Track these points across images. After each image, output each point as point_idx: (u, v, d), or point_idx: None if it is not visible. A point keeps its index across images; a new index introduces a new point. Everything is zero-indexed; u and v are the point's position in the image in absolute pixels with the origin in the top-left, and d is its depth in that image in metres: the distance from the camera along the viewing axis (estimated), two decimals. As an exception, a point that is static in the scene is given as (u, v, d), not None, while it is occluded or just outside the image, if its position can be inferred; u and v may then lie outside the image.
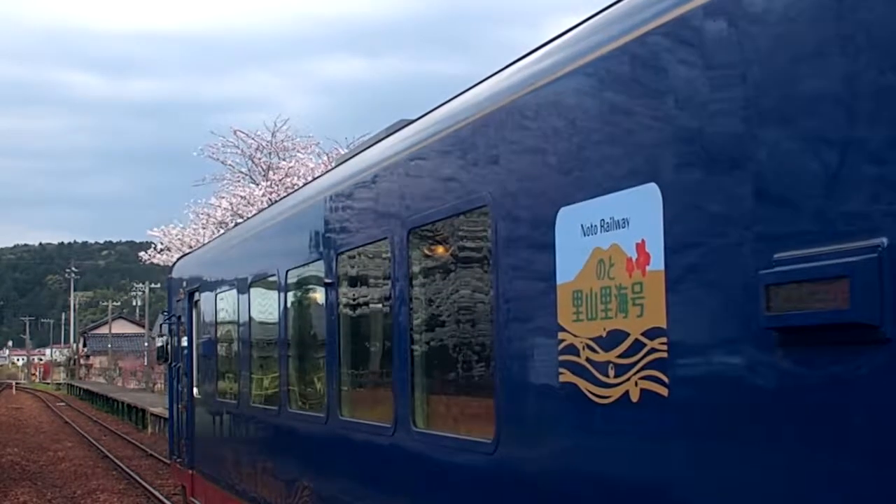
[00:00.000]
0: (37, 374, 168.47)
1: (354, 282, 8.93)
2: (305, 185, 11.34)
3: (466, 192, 6.43)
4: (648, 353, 4.54)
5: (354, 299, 8.93)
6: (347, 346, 8.98)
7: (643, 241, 4.58)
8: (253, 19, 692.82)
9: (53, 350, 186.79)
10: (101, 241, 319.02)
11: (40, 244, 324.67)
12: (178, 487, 19.81)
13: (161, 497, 23.69)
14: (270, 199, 40.82)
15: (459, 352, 6.87)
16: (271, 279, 11.28)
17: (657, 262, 4.49)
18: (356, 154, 9.24)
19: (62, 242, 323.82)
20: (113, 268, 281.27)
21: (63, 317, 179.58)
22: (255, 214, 15.08)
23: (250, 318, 12.44)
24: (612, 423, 4.85)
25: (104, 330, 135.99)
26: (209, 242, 19.13)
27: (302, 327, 10.72)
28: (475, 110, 6.39)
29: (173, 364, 18.57)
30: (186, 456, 17.24)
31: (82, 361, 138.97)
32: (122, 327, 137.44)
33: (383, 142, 8.38)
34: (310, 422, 9.88)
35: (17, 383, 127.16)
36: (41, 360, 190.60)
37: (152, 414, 46.04)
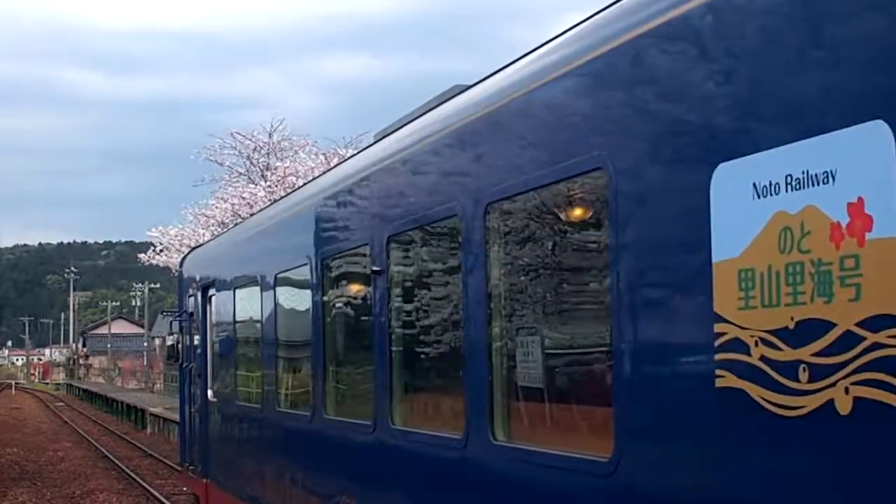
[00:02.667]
0: (36, 374, 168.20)
1: (411, 268, 7.79)
2: (344, 161, 9.81)
3: (573, 151, 5.19)
4: (869, 349, 3.41)
5: (411, 288, 7.75)
6: (401, 344, 7.79)
7: (859, 199, 3.45)
8: (256, 17, 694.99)
9: (53, 350, 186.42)
10: (101, 241, 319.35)
11: (40, 244, 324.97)
12: (189, 496, 19.12)
13: (160, 497, 23.75)
14: (270, 200, 40.57)
15: (557, 349, 5.77)
16: (302, 270, 10.09)
17: (884, 228, 3.36)
18: (407, 124, 8.00)
19: (61, 242, 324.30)
20: (112, 268, 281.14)
21: (62, 317, 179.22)
22: (278, 200, 13.64)
23: (276, 313, 11.25)
24: (803, 442, 3.71)
25: (103, 330, 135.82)
26: (223, 234, 17.80)
27: (339, 323, 9.56)
28: (585, 53, 5.19)
29: (185, 364, 17.16)
30: (200, 463, 15.91)
31: (82, 361, 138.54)
32: (121, 327, 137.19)
33: (442, 108, 7.26)
34: (350, 430, 8.73)
35: (16, 383, 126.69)
36: (40, 360, 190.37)
37: (151, 414, 46.19)
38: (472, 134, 6.50)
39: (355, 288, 9.08)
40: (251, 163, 45.07)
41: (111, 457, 33.70)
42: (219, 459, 14.67)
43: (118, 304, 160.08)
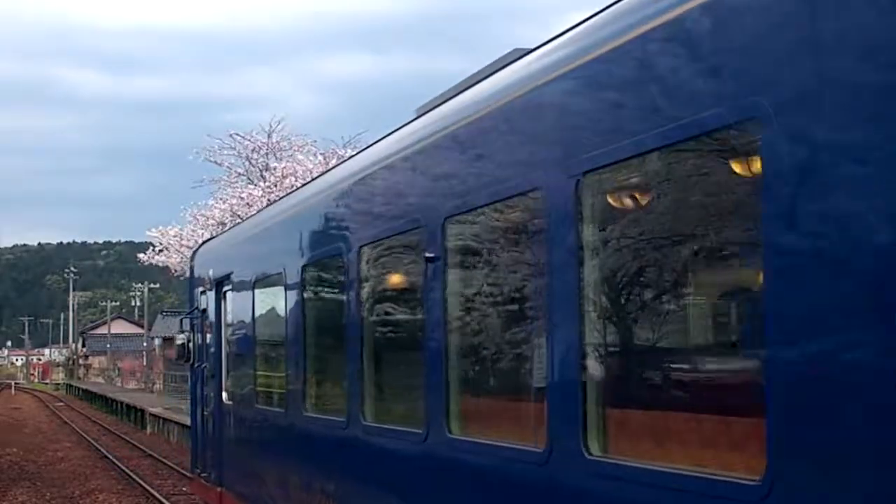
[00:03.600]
0: (36, 374, 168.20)
1: (474, 253, 6.72)
2: (394, 132, 8.36)
3: (724, 96, 4.20)
4: None
5: (474, 277, 6.72)
6: (460, 341, 6.71)
7: None
8: (256, 16, 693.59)
9: (52, 350, 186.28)
10: (101, 241, 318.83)
11: (39, 244, 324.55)
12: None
13: (160, 497, 23.86)
14: (269, 200, 40.85)
15: (678, 341, 4.86)
16: (334, 259, 9.12)
17: None
18: (475, 84, 6.82)
19: (61, 242, 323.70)
20: (112, 268, 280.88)
21: (62, 317, 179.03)
22: (304, 185, 12.58)
23: (303, 309, 10.24)
24: None
25: (103, 330, 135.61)
26: (238, 225, 16.69)
27: (380, 318, 8.45)
28: None
29: (196, 364, 16.05)
30: (213, 470, 14.81)
31: (81, 362, 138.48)
32: (121, 327, 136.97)
33: (515, 66, 6.17)
34: (395, 438, 7.67)
35: (15, 383, 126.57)
36: (40, 360, 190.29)
37: (151, 414, 46.22)
38: (564, 92, 5.51)
39: (400, 278, 8.07)
40: (250, 163, 45.17)
41: (111, 457, 33.76)
42: (235, 466, 13.67)
43: (118, 304, 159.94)
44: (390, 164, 7.92)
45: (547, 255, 5.44)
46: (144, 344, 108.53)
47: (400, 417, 7.87)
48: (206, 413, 15.45)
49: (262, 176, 43.76)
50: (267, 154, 45.00)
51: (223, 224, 42.34)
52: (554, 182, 5.31)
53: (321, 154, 42.00)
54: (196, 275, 16.36)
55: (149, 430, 46.38)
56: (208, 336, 15.08)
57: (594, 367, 5.20)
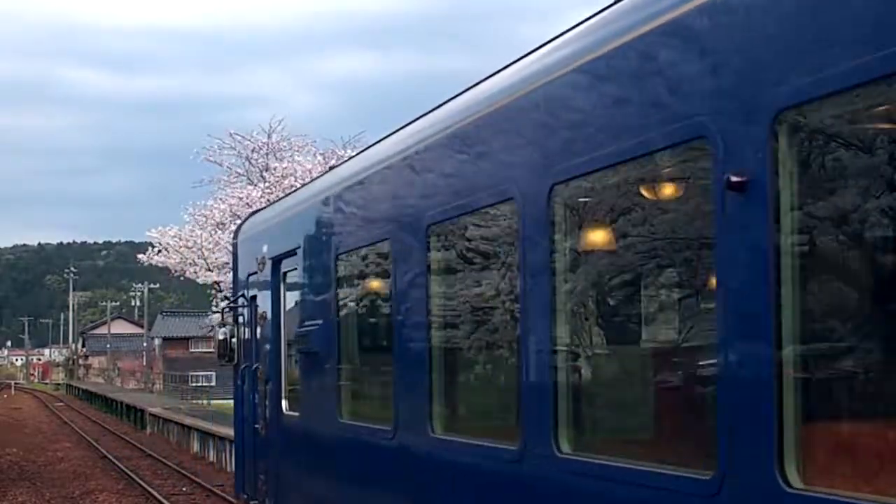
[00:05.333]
0: (35, 374, 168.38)
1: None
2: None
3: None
4: None
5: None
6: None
7: None
8: (258, 14, 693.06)
9: (52, 350, 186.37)
10: (101, 242, 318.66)
11: (39, 244, 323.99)
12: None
13: (160, 497, 23.90)
14: (269, 200, 41.02)
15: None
16: (492, 213, 6.67)
17: None
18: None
19: (61, 242, 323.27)
20: (112, 268, 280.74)
21: (62, 317, 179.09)
22: (425, 114, 8.12)
23: (427, 286, 7.35)
24: None
25: (103, 330, 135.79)
26: (306, 186, 12.95)
27: (584, 295, 5.84)
28: None
29: (244, 365, 13.08)
30: (268, 498, 11.86)
31: (81, 362, 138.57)
32: (121, 327, 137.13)
33: None
34: (607, 480, 5.20)
35: (15, 383, 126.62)
36: (40, 360, 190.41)
37: (151, 414, 46.14)
38: None
39: (614, 229, 5.53)
40: (250, 163, 45.28)
41: (111, 457, 33.75)
42: (301, 496, 10.87)
43: (118, 304, 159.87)
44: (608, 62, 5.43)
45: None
46: (144, 344, 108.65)
47: (624, 449, 5.45)
48: (257, 426, 12.32)
49: (261, 176, 43.90)
50: (267, 154, 45.17)
51: (222, 224, 42.49)
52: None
53: (321, 154, 42.19)
54: (241, 255, 13.43)
55: (149, 430, 46.41)
56: (260, 329, 12.25)
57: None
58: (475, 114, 6.86)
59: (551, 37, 6.25)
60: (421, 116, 8.17)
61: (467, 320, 7.29)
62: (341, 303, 9.42)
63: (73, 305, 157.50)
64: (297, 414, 10.81)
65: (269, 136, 44.74)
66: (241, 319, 13.15)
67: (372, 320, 9.22)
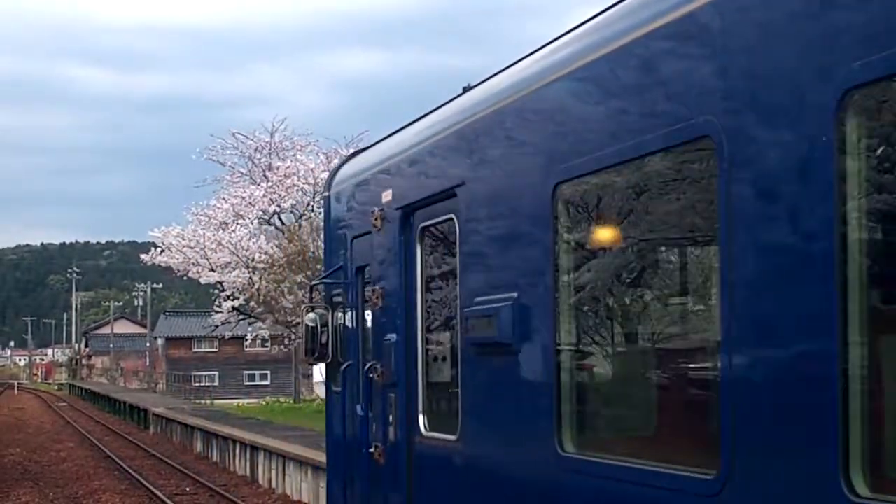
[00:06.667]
0: (39, 374, 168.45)
1: None
2: None
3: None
4: None
5: None
6: None
7: None
8: (262, 13, 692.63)
9: (55, 350, 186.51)
10: (103, 242, 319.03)
11: (42, 244, 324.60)
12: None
13: (163, 497, 23.80)
14: (271, 199, 41.15)
15: None
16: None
17: None
18: None
19: (64, 242, 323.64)
20: (115, 268, 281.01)
21: (65, 317, 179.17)
22: None
23: (730, 227, 4.44)
24: None
25: (106, 330, 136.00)
26: (454, 100, 7.95)
27: None
28: None
29: (347, 363, 9.53)
30: None
31: (84, 362, 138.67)
32: (123, 327, 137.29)
33: None
34: None
35: (18, 384, 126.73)
36: (43, 360, 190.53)
37: (154, 414, 46.17)
38: None
39: None
40: (253, 163, 45.44)
41: (114, 457, 33.66)
42: None
43: (121, 304, 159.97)
44: None
45: None
46: (147, 344, 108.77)
47: None
48: (371, 450, 8.71)
49: (264, 175, 43.99)
50: (270, 153, 45.26)
51: (225, 224, 42.54)
52: None
53: (323, 153, 42.30)
54: (339, 211, 9.98)
55: (152, 430, 46.42)
56: (376, 313, 8.75)
57: None
58: None
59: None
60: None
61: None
62: (565, 263, 5.93)
63: (76, 305, 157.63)
64: (450, 437, 7.21)
65: (272, 136, 44.87)
66: (340, 301, 9.75)
67: (639, 291, 5.81)
